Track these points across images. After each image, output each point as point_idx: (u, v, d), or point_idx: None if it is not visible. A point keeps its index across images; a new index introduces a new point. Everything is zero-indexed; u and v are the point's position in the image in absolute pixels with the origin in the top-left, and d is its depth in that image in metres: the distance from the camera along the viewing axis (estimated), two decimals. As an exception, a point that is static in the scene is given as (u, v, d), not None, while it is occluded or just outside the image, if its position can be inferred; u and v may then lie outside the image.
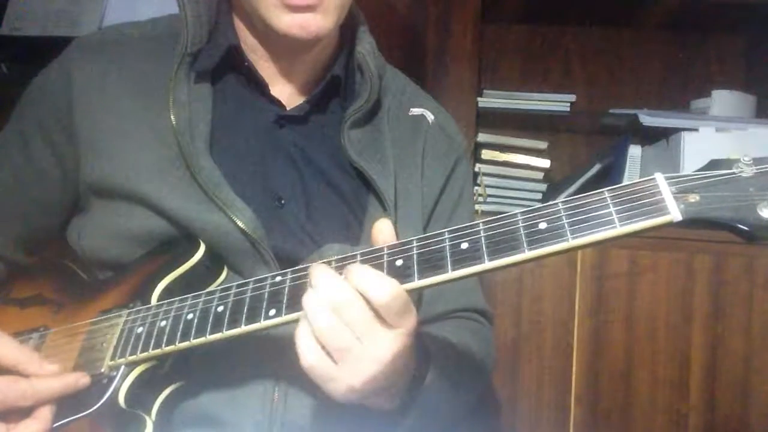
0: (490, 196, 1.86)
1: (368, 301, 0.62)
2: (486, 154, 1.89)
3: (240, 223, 0.81)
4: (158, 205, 0.82)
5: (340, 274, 0.65)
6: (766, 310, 1.49)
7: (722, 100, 1.78)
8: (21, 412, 0.73)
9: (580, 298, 1.53)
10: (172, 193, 0.82)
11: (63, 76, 0.90)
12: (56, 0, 1.71)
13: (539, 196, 1.89)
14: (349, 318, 0.62)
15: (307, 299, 0.64)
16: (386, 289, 0.62)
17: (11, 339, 0.78)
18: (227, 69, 0.91)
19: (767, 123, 1.66)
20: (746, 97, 1.81)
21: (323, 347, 0.63)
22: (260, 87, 0.91)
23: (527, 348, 1.54)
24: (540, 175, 1.90)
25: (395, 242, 0.68)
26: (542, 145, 1.94)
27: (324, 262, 0.69)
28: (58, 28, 1.66)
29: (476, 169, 1.86)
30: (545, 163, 1.90)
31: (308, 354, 0.63)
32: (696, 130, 1.59)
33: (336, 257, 0.69)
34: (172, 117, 0.84)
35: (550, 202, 0.62)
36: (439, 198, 0.99)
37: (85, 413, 0.74)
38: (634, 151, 1.76)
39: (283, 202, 0.87)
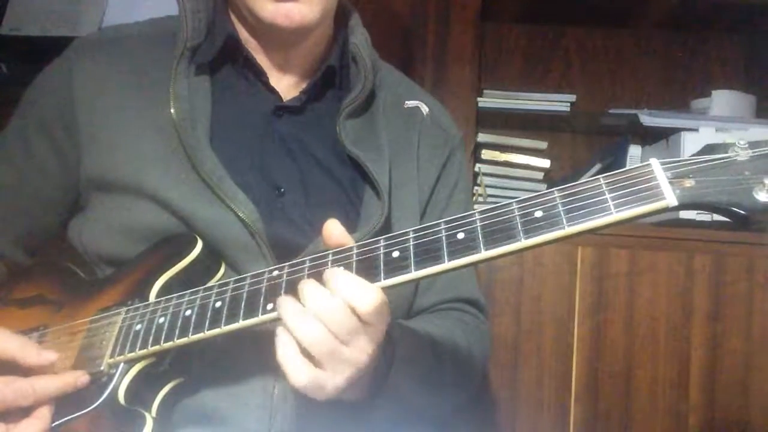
0: (490, 196, 1.86)
1: (353, 310, 0.64)
2: (486, 154, 1.89)
3: (241, 214, 0.82)
4: (159, 197, 0.83)
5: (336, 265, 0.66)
6: (766, 310, 1.49)
7: (722, 100, 1.78)
8: (21, 412, 0.73)
9: (580, 298, 1.53)
10: (174, 186, 0.83)
11: (64, 74, 0.91)
12: (56, 0, 1.72)
13: (539, 196, 1.88)
14: (334, 326, 0.64)
15: (290, 313, 0.65)
16: (371, 298, 0.64)
17: (10, 332, 0.78)
18: (225, 61, 0.92)
19: (767, 123, 1.66)
20: (746, 97, 1.81)
21: (310, 358, 0.64)
22: (258, 77, 0.92)
23: (527, 348, 1.53)
24: (540, 175, 1.90)
25: (391, 234, 0.67)
26: (542, 145, 1.94)
27: (320, 255, 0.69)
28: (58, 28, 1.67)
29: (476, 169, 1.86)
30: (545, 163, 1.90)
31: (300, 375, 0.64)
32: (696, 130, 1.59)
33: (333, 251, 0.69)
34: (172, 110, 0.85)
35: (546, 191, 0.62)
36: (435, 187, 0.99)
37: (85, 411, 0.74)
38: (634, 151, 1.75)
39: (283, 191, 0.88)
